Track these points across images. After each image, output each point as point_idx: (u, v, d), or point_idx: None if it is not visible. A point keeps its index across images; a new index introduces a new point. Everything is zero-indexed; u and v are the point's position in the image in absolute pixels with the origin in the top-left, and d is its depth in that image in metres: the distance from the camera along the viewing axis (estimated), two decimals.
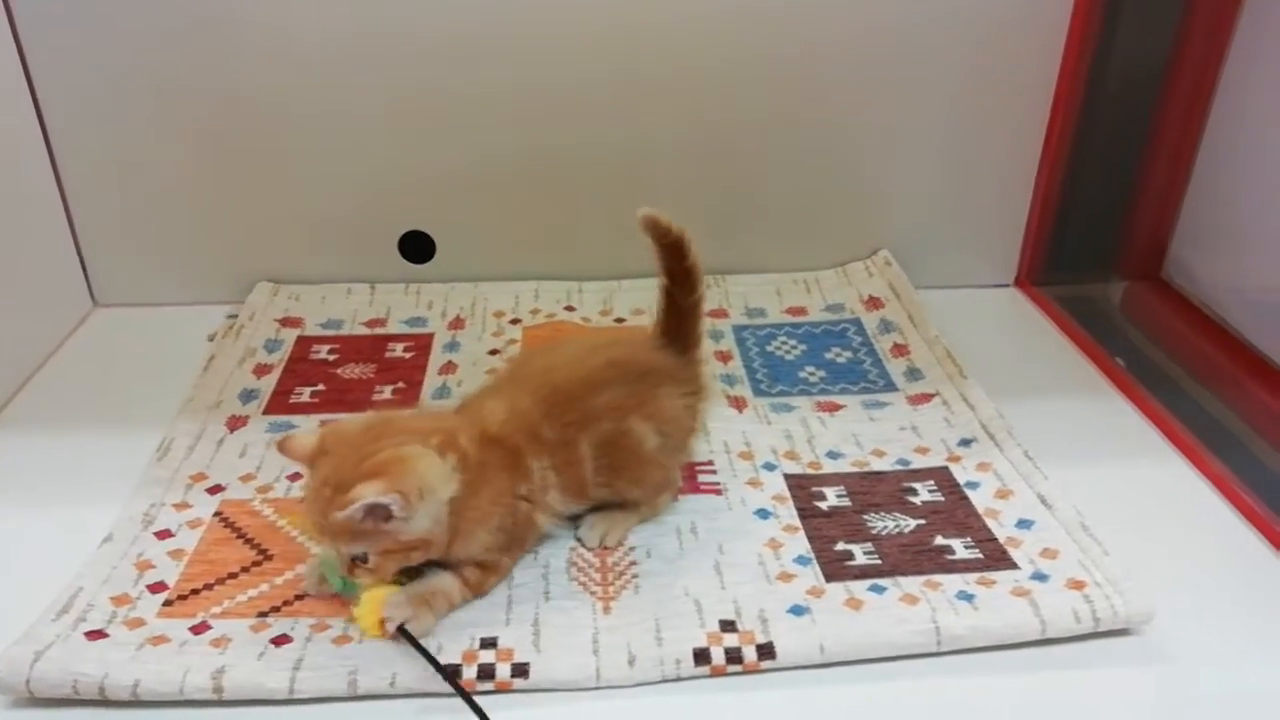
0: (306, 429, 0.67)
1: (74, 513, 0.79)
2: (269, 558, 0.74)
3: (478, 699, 0.62)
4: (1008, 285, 1.18)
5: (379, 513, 0.62)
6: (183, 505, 0.79)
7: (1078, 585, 0.70)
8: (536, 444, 0.71)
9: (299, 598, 0.70)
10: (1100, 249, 1.14)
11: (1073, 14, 1.03)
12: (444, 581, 0.69)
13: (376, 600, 0.65)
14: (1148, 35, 1.03)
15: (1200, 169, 1.04)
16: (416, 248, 1.12)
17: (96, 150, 1.03)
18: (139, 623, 0.68)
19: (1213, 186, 1.03)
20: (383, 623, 0.65)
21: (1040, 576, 0.72)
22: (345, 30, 1.00)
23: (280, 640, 0.66)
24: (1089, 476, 0.83)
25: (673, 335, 0.79)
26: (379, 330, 1.06)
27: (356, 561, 0.65)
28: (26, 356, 0.99)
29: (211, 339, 1.03)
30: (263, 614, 0.69)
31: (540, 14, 1.00)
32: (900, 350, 1.03)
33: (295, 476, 0.83)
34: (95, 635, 0.66)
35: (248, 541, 0.76)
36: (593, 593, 0.71)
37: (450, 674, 0.63)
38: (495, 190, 1.09)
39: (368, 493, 0.61)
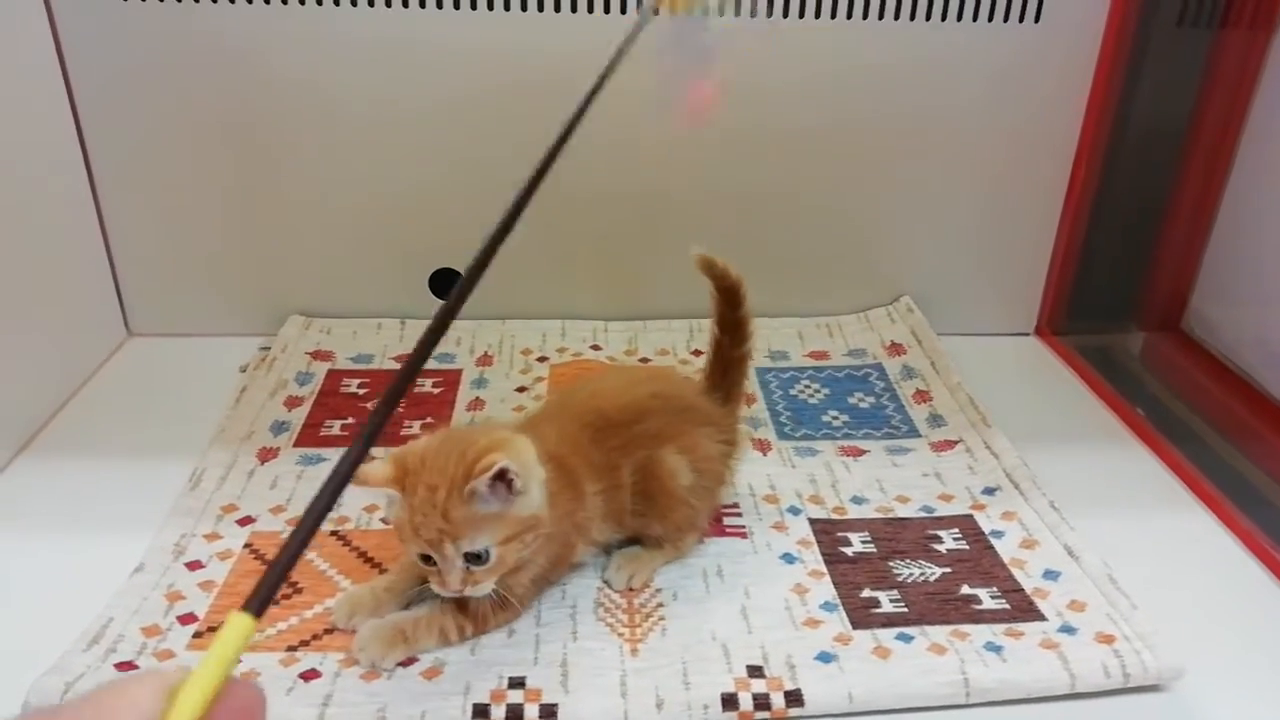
0: (379, 460, 0.67)
1: (105, 541, 0.79)
2: (299, 591, 0.75)
3: None
4: (1028, 334, 1.19)
5: (503, 485, 0.63)
6: (213, 536, 0.80)
7: (1107, 639, 0.70)
8: (589, 467, 0.72)
9: (328, 631, 0.71)
10: (1121, 299, 1.15)
11: (1097, 67, 1.04)
12: (436, 618, 0.69)
13: None
14: (1172, 87, 1.04)
15: (1222, 221, 1.05)
16: (447, 285, 1.13)
17: (136, 182, 1.05)
18: (168, 654, 0.68)
19: (1234, 238, 1.04)
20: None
21: (1068, 629, 0.72)
22: (380, 73, 1.02)
23: (309, 675, 0.67)
24: (1112, 528, 0.83)
25: (717, 384, 0.82)
26: None
27: (471, 569, 0.64)
28: (61, 384, 1.00)
29: (244, 370, 1.04)
30: (291, 648, 0.69)
31: (573, 62, 1.02)
32: (922, 396, 1.03)
33: None
34: (125, 667, 0.66)
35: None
36: (620, 634, 0.71)
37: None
38: (523, 231, 1.08)
39: (496, 458, 0.61)
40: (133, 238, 1.08)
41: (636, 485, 0.74)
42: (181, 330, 1.12)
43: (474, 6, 1.00)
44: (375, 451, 0.84)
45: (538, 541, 0.67)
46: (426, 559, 0.65)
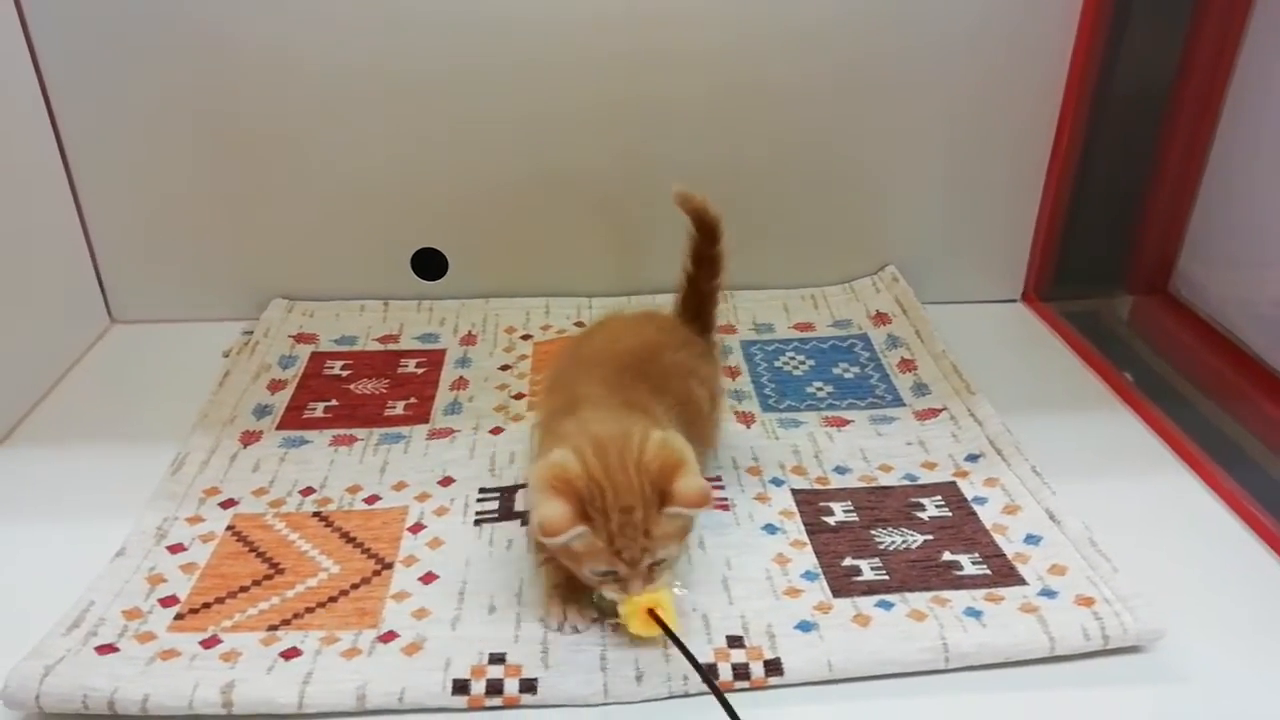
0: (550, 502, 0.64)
1: (88, 527, 0.80)
2: (280, 571, 0.75)
3: (485, 715, 0.62)
4: (1015, 300, 1.18)
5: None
6: (196, 519, 0.80)
7: (1087, 602, 0.70)
8: (650, 404, 0.73)
9: (309, 610, 0.71)
10: (1108, 264, 1.14)
11: (1079, 29, 1.03)
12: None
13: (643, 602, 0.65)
14: (1155, 48, 1.03)
15: (1208, 183, 1.03)
16: (429, 265, 1.13)
17: (113, 168, 1.05)
18: (150, 636, 0.68)
19: (1221, 200, 1.03)
20: (650, 614, 0.64)
21: (1049, 593, 0.72)
22: (359, 51, 1.01)
23: (290, 654, 0.67)
24: (1097, 492, 0.83)
25: (691, 319, 0.85)
26: (391, 346, 1.07)
27: (654, 566, 0.65)
28: (44, 372, 1.00)
29: (227, 355, 1.04)
30: (273, 627, 0.69)
31: (550, 38, 1.01)
32: (907, 365, 1.03)
33: (307, 491, 0.83)
34: (106, 649, 0.67)
35: (259, 555, 0.77)
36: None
37: (706, 672, 0.63)
38: (506, 209, 1.10)
39: (694, 477, 0.63)
40: (113, 224, 1.08)
41: (679, 414, 0.75)
42: (165, 316, 1.11)
43: None
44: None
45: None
46: (606, 573, 0.65)
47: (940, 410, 0.95)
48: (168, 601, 0.71)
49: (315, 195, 1.08)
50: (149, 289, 1.11)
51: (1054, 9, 1.03)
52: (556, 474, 0.64)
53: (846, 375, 1.02)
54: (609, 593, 0.66)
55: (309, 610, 0.71)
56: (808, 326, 1.11)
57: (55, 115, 1.01)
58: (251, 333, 1.06)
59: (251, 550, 0.77)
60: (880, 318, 1.11)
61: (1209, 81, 1.00)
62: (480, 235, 1.12)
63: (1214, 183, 1.03)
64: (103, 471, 0.87)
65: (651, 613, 0.65)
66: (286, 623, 0.70)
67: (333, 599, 0.72)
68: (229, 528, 0.80)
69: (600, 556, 0.63)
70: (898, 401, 0.98)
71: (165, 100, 1.02)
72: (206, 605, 0.71)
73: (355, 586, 0.74)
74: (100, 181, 1.05)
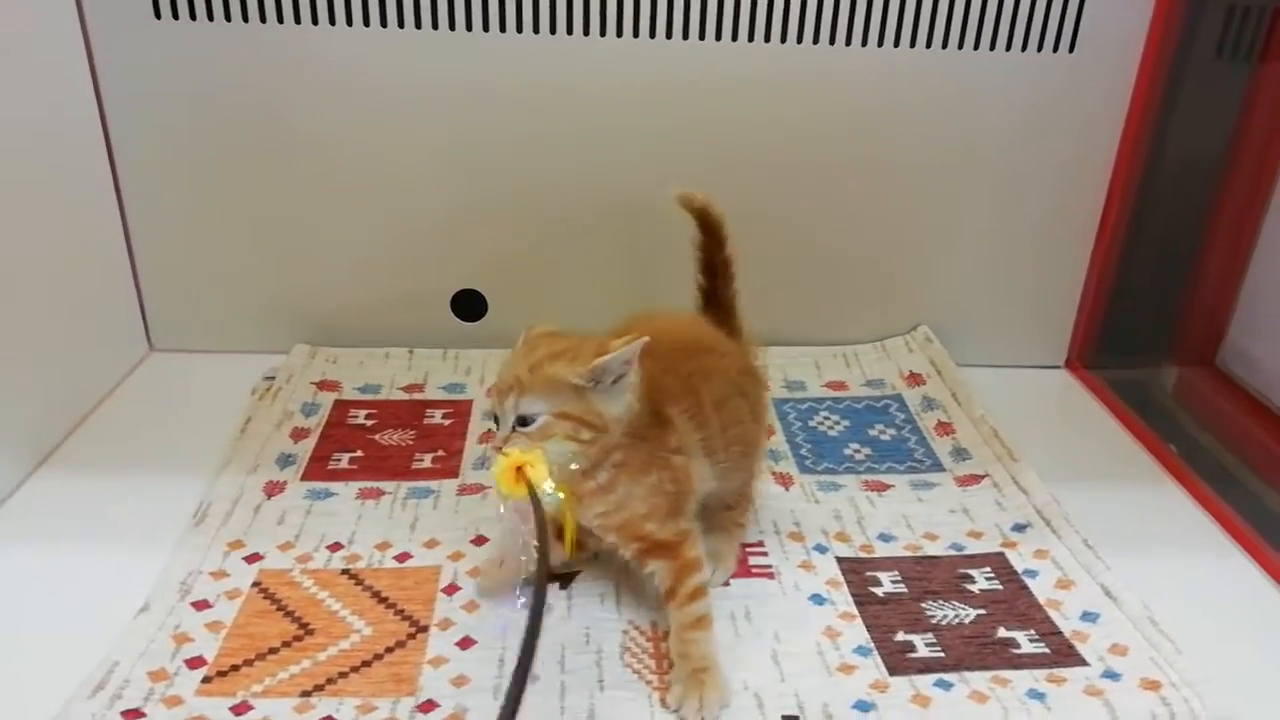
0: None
1: (116, 561, 0.78)
2: (310, 632, 0.72)
3: None
4: (1059, 367, 1.17)
5: (616, 368, 0.64)
6: (220, 574, 0.77)
7: (1153, 686, 0.68)
8: (663, 393, 0.71)
9: (342, 675, 0.68)
10: (1155, 333, 1.13)
11: (1132, 95, 1.03)
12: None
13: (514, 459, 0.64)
14: (1209, 119, 1.03)
15: (1259, 255, 1.03)
16: (469, 307, 1.12)
17: (162, 199, 1.05)
18: (177, 701, 0.65)
19: (1272, 273, 1.02)
20: (519, 473, 0.63)
21: (1112, 675, 0.69)
22: (406, 97, 1.01)
23: None
24: (1147, 568, 0.81)
25: (717, 324, 0.82)
26: (417, 396, 1.04)
27: (516, 428, 0.65)
28: (84, 396, 0.99)
29: (255, 393, 1.02)
30: (306, 693, 0.66)
31: (582, 90, 1.01)
32: (945, 429, 1.01)
33: (335, 546, 0.81)
34: (132, 715, 0.63)
35: (288, 614, 0.73)
36: (648, 681, 0.68)
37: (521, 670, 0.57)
38: (534, 256, 1.08)
39: (620, 345, 0.64)
40: (157, 253, 1.08)
41: (721, 413, 0.74)
42: (203, 346, 1.11)
43: (485, 29, 0.98)
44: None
45: (592, 445, 0.66)
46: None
47: (983, 477, 0.93)
48: (195, 663, 0.68)
49: (358, 232, 1.07)
50: (189, 318, 1.11)
51: (1107, 80, 1.02)
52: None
53: (883, 437, 1.00)
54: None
55: (342, 675, 0.68)
56: (840, 385, 1.10)
57: (111, 144, 1.02)
58: (274, 378, 1.04)
59: (279, 609, 0.74)
60: (914, 378, 1.10)
61: (1261, 153, 1.00)
62: (518, 277, 1.10)
63: (1264, 255, 1.02)
64: (135, 503, 0.85)
65: (520, 471, 0.63)
66: (320, 688, 0.67)
67: (366, 663, 0.69)
68: (255, 584, 0.76)
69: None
70: (937, 466, 0.96)
71: (216, 136, 1.02)
72: (235, 667, 0.68)
73: (390, 650, 0.71)
74: (148, 209, 1.06)
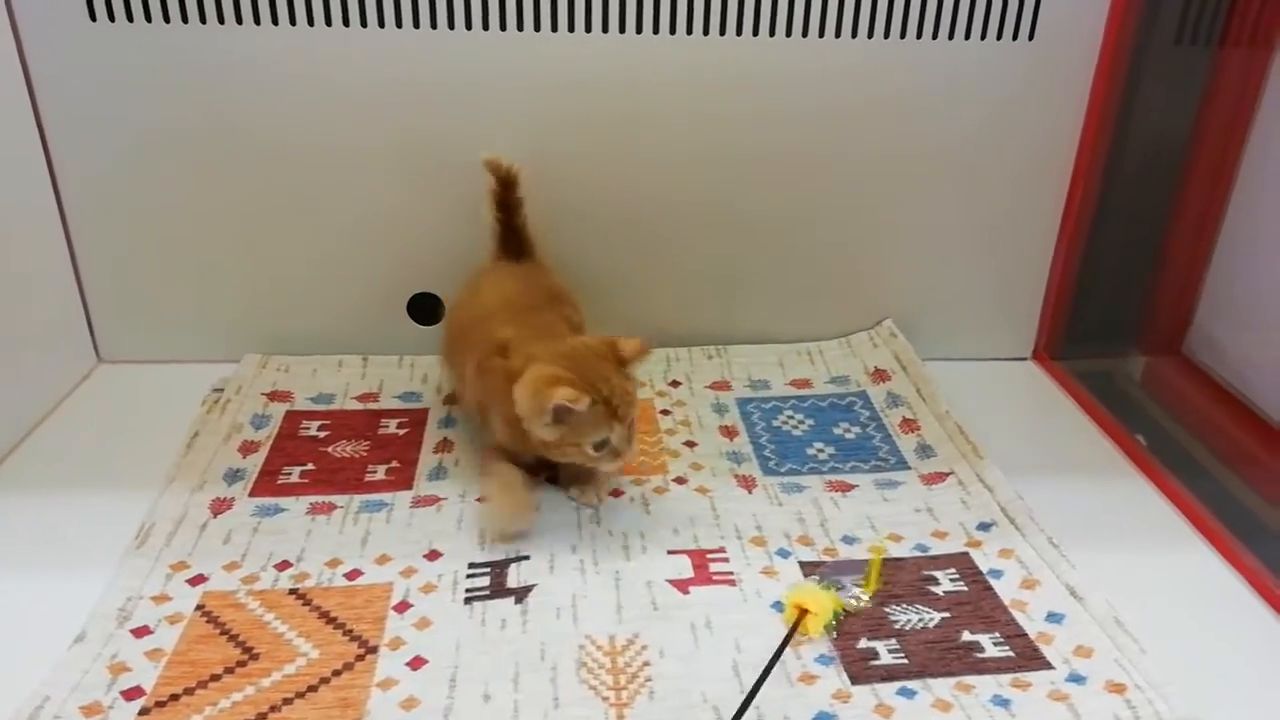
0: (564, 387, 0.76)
1: (53, 586, 0.76)
2: (255, 657, 0.69)
3: None
4: (1025, 359, 1.15)
5: None
6: (162, 598, 0.74)
7: (1118, 688, 0.66)
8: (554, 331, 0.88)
9: (286, 701, 0.65)
10: (1121, 323, 1.12)
11: (1093, 85, 1.01)
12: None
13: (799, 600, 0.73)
14: (1170, 106, 1.02)
15: (1224, 243, 1.01)
16: (424, 310, 1.09)
17: (105, 207, 1.02)
18: None
19: (1237, 260, 1.01)
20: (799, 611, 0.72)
21: (1077, 678, 0.68)
22: (350, 96, 0.98)
23: None
24: (1113, 565, 0.80)
25: (516, 250, 0.98)
26: (371, 405, 1.01)
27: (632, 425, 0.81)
28: (29, 412, 0.97)
29: (204, 404, 0.99)
30: None
31: (550, 92, 0.99)
32: (910, 425, 1.00)
33: (283, 565, 0.78)
34: None
35: (232, 639, 0.71)
36: (604, 698, 0.66)
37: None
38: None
39: (629, 339, 0.82)
40: (104, 264, 1.05)
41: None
42: (154, 356, 1.08)
43: (434, 26, 0.95)
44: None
45: None
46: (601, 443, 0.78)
47: (948, 474, 0.91)
48: (132, 694, 0.66)
49: (308, 238, 1.05)
50: (139, 328, 1.08)
51: (1068, 68, 1.01)
52: (550, 373, 0.76)
53: (848, 436, 0.99)
54: (605, 465, 0.80)
55: (286, 702, 0.65)
56: (805, 383, 1.08)
57: (50, 152, 0.99)
58: (222, 390, 1.01)
59: (223, 633, 0.71)
60: (879, 374, 1.08)
61: (1224, 140, 0.98)
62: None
63: (1229, 242, 1.01)
64: (76, 524, 0.83)
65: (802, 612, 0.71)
66: (263, 716, 0.64)
67: (312, 688, 0.67)
68: (198, 607, 0.74)
69: (601, 423, 0.77)
70: (902, 464, 0.94)
71: (158, 142, 0.99)
72: (175, 697, 0.66)
73: (337, 673, 0.68)
74: (93, 220, 1.03)
